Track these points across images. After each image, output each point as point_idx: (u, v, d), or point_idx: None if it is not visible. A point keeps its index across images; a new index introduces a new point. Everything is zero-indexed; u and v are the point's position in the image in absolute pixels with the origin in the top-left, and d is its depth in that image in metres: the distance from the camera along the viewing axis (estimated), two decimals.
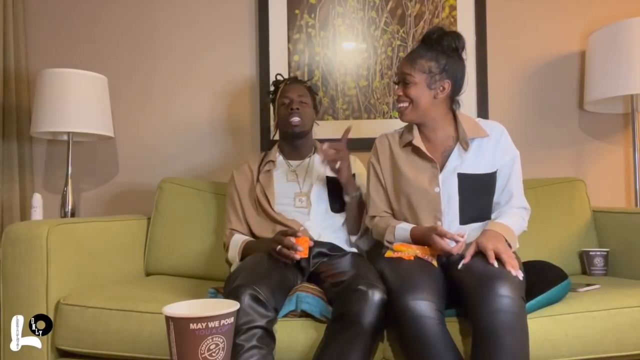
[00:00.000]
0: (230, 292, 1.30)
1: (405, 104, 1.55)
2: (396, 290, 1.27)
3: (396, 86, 1.59)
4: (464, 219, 1.52)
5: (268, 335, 1.28)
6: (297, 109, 1.75)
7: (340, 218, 1.74)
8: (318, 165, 1.80)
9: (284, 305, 1.40)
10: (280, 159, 1.84)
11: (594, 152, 2.24)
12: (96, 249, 1.70)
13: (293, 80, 1.87)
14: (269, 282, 1.34)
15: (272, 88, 1.91)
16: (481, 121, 1.61)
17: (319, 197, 1.74)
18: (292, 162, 1.83)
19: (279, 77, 1.91)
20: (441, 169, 1.54)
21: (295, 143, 1.82)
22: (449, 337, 1.24)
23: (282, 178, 1.79)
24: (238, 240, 1.70)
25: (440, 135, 1.58)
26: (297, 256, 1.44)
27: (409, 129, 1.64)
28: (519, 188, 1.57)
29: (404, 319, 1.23)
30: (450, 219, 1.52)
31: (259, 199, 1.75)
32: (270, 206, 1.72)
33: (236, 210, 1.79)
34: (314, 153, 1.85)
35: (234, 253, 1.69)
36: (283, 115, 1.78)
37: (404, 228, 1.54)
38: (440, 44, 1.53)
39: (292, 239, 1.45)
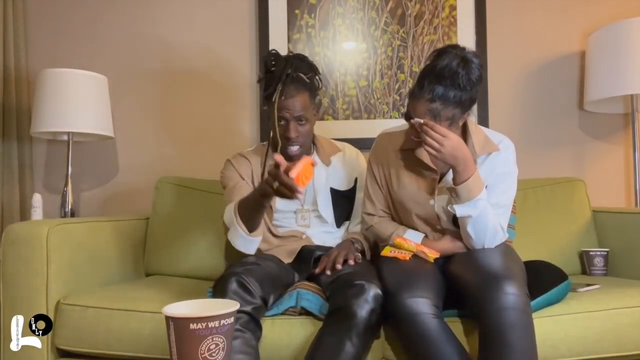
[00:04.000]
0: (218, 281, 1.30)
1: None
2: (393, 289, 1.28)
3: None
4: None
5: (253, 322, 1.26)
6: (297, 136, 1.54)
7: (342, 230, 1.71)
8: (320, 176, 1.67)
9: (284, 300, 1.40)
10: None
11: (594, 152, 2.24)
12: (96, 249, 1.70)
13: (291, 85, 1.51)
14: (258, 274, 1.33)
15: (263, 74, 1.59)
16: (492, 134, 1.50)
17: (326, 207, 1.66)
18: None
19: (272, 63, 1.55)
20: (440, 179, 1.47)
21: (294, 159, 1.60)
22: (449, 331, 1.24)
23: None
24: (231, 205, 1.49)
25: None
26: (299, 196, 1.25)
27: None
28: (506, 205, 1.45)
29: (403, 317, 1.23)
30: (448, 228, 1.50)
31: None
32: (269, 221, 1.64)
33: (238, 188, 1.58)
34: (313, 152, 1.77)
35: (229, 215, 1.49)
36: (281, 135, 1.56)
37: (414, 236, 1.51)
38: (460, 85, 1.29)
39: (291, 180, 1.22)
